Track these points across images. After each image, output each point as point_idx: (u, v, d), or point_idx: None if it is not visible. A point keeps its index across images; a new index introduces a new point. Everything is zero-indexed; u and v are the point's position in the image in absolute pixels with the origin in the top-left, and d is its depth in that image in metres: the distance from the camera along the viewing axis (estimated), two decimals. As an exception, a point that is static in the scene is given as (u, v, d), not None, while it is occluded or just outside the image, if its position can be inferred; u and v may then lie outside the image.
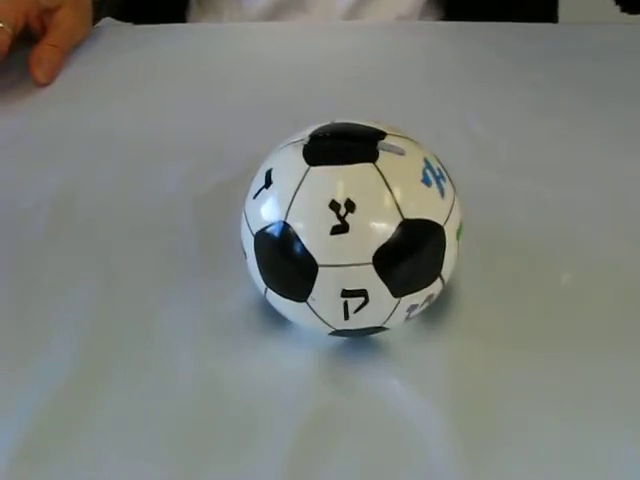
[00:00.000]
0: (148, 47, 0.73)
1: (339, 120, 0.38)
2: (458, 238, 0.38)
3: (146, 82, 0.67)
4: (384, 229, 0.35)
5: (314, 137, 0.37)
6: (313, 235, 0.35)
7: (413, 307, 0.37)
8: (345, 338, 0.40)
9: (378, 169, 0.35)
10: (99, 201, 0.52)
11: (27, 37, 0.68)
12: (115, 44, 0.74)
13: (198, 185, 0.53)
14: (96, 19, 0.78)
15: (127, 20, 0.89)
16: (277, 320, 0.40)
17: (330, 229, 0.34)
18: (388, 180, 0.35)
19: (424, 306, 0.38)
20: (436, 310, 0.40)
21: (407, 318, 0.38)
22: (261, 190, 0.37)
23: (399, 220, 0.35)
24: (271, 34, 0.76)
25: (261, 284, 0.38)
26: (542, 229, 0.48)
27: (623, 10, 0.82)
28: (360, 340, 0.40)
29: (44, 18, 0.69)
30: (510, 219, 0.49)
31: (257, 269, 0.37)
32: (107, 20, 0.82)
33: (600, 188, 0.51)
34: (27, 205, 0.52)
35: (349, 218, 0.34)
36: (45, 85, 0.66)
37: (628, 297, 0.43)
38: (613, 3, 0.82)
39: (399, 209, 0.35)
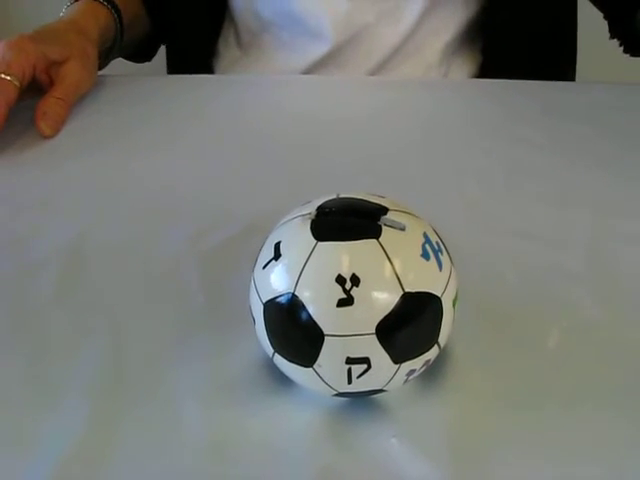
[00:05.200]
0: (152, 98, 0.76)
1: (344, 194, 0.41)
2: (454, 306, 0.40)
3: (150, 136, 0.69)
4: (386, 302, 0.37)
5: (321, 212, 0.40)
6: (320, 307, 0.37)
7: (412, 372, 0.40)
8: (347, 399, 0.42)
9: (381, 245, 0.38)
10: (105, 260, 0.54)
11: (34, 88, 0.71)
12: (119, 96, 0.77)
13: (203, 243, 0.55)
14: (104, 64, 0.81)
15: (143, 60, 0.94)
16: (282, 380, 0.42)
17: (336, 302, 0.37)
18: (390, 255, 0.38)
19: (422, 370, 0.40)
20: (433, 372, 0.43)
21: (406, 381, 0.40)
22: (270, 261, 0.39)
23: (400, 293, 0.37)
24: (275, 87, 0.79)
25: (269, 349, 0.40)
26: (531, 291, 0.51)
27: (625, 51, 0.86)
28: (362, 400, 0.42)
29: (51, 71, 0.71)
30: (500, 280, 0.52)
31: (266, 335, 0.40)
32: (115, 61, 0.85)
33: (589, 250, 0.54)
34: (33, 262, 0.53)
35: (354, 292, 0.37)
36: (49, 137, 0.69)
37: (609, 357, 0.45)
38: (621, 64, 0.86)
39: (400, 283, 0.37)
